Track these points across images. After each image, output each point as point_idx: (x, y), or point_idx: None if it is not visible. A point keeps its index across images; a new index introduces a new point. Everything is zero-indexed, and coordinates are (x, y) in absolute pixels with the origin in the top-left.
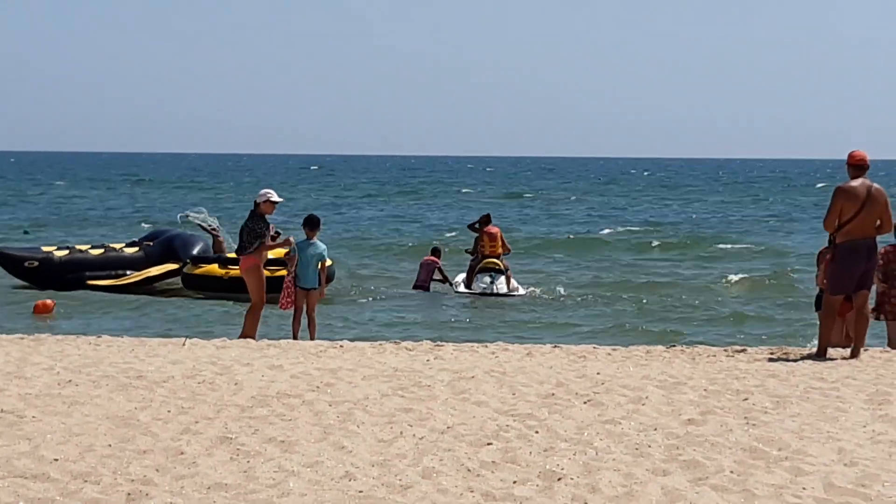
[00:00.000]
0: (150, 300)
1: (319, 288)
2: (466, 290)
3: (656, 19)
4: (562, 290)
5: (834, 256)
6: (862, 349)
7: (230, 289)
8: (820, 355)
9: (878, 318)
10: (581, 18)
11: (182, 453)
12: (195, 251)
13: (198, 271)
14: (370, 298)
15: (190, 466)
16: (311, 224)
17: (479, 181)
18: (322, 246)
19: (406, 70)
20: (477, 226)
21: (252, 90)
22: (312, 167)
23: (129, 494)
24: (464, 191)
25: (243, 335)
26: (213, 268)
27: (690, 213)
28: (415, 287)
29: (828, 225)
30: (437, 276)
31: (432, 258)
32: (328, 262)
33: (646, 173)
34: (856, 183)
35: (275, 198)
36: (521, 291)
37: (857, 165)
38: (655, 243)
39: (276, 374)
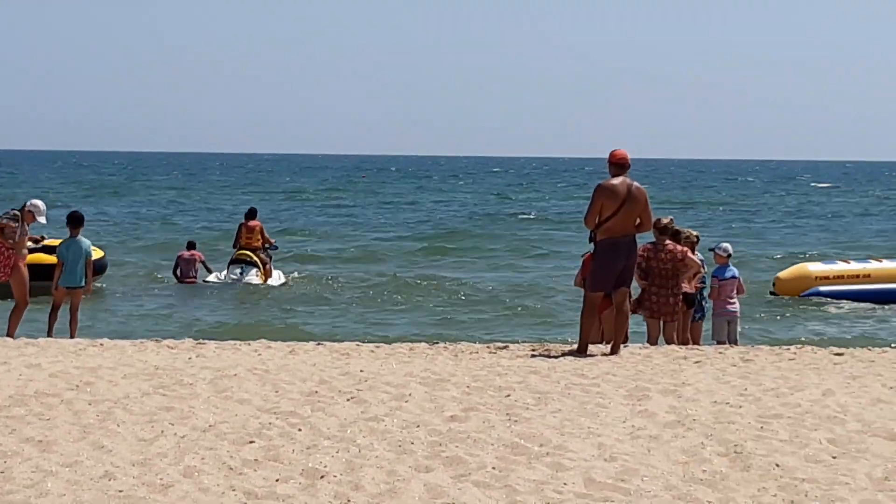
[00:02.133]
0: None
1: (85, 285)
2: (215, 280)
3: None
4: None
5: (594, 254)
6: (621, 346)
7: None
8: (581, 352)
9: (635, 312)
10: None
11: None
12: None
13: None
14: (130, 295)
15: None
16: (75, 221)
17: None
18: (87, 242)
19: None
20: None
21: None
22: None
23: None
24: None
25: (8, 334)
26: (40, 256)
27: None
28: (180, 283)
29: (588, 222)
30: (200, 269)
31: (192, 252)
32: (100, 254)
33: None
34: (616, 181)
35: (40, 217)
36: (275, 283)
37: (618, 164)
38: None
39: (33, 373)
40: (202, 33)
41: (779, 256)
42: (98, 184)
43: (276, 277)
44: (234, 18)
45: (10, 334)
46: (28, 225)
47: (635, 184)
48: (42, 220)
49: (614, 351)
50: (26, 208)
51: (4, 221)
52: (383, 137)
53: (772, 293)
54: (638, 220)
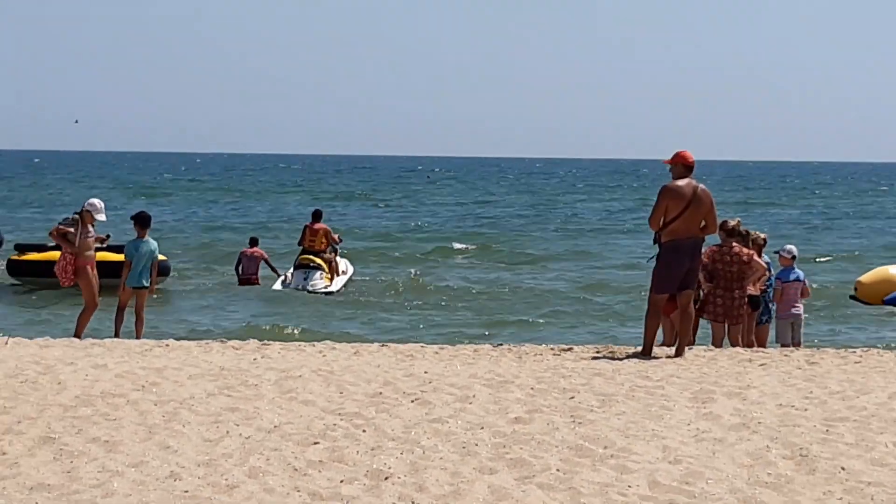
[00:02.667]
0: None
1: (150, 285)
2: (280, 288)
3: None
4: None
5: (658, 255)
6: (687, 348)
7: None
8: (645, 354)
9: (701, 318)
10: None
11: (3, 453)
12: None
13: (28, 258)
14: (193, 295)
15: (12, 467)
16: (143, 222)
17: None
18: (153, 244)
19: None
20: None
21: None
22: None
23: None
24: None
25: (75, 335)
26: (53, 254)
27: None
28: (241, 282)
29: (652, 223)
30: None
31: (254, 249)
32: (161, 258)
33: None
34: (682, 183)
35: (99, 216)
36: (333, 288)
37: (684, 165)
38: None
39: (100, 374)
40: (258, 39)
41: (827, 259)
42: (145, 185)
43: (344, 266)
44: (286, 22)
45: (77, 335)
46: (90, 226)
47: (701, 186)
48: (101, 217)
49: (679, 353)
50: (84, 209)
51: (64, 228)
52: (435, 138)
53: (853, 297)
54: (703, 223)
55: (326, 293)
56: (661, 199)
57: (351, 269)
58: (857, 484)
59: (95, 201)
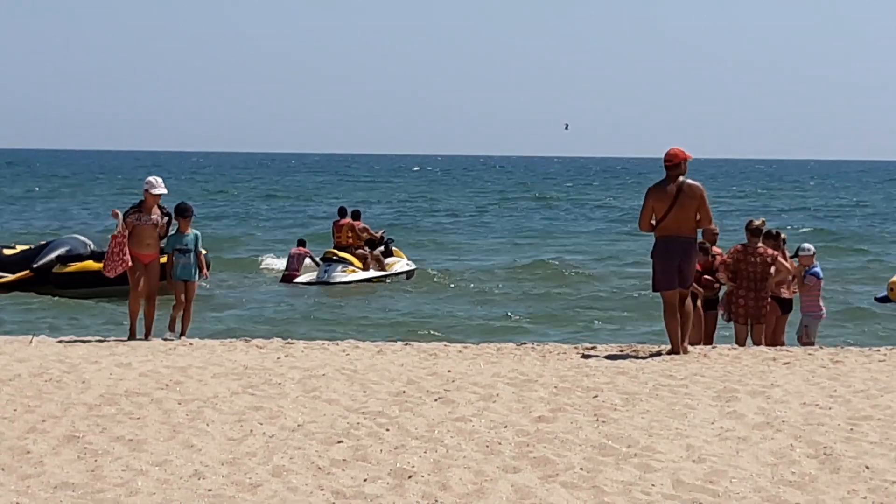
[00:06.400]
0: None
1: (199, 278)
2: (304, 281)
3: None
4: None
5: (652, 252)
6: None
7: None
8: (674, 352)
9: (728, 320)
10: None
11: (28, 452)
12: (51, 256)
13: (70, 269)
14: (234, 293)
15: (36, 465)
16: (185, 213)
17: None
18: (197, 234)
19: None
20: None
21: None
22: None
23: None
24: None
25: (145, 336)
26: (89, 263)
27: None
28: (284, 278)
29: (641, 225)
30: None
31: (301, 249)
32: (203, 252)
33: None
34: (665, 183)
35: (156, 190)
36: (346, 279)
37: (666, 164)
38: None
39: (124, 372)
40: (298, 37)
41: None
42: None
43: (400, 266)
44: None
45: (146, 336)
46: (156, 212)
47: (688, 181)
48: (160, 190)
49: (684, 350)
50: (144, 190)
51: (132, 220)
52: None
53: (882, 299)
54: (697, 216)
55: (339, 283)
56: (645, 201)
57: (401, 268)
58: (882, 483)
59: (152, 178)
